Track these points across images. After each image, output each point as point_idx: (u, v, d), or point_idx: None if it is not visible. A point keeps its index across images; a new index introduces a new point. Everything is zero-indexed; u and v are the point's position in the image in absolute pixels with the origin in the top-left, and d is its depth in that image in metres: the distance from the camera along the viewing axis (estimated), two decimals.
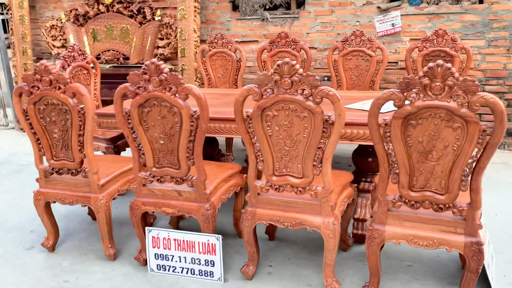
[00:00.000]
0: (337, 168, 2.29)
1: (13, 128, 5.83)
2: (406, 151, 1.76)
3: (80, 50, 3.48)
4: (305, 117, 1.86)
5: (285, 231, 2.68)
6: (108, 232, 2.42)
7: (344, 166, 3.85)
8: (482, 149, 1.67)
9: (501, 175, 3.68)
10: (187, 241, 2.22)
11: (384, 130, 1.76)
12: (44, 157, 2.40)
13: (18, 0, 5.25)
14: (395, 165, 1.80)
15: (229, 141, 4.19)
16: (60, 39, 5.60)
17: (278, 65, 1.81)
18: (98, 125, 2.72)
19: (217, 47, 4.08)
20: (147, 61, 2.00)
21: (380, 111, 1.72)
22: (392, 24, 4.37)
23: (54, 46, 5.65)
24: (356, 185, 2.41)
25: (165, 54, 5.14)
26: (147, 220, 2.42)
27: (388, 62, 4.30)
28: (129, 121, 2.14)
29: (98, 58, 5.31)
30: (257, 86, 1.88)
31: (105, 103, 3.63)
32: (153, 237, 2.28)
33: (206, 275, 2.23)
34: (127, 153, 3.34)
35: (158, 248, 2.28)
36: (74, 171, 2.37)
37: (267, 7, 4.84)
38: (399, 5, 4.42)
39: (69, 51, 3.40)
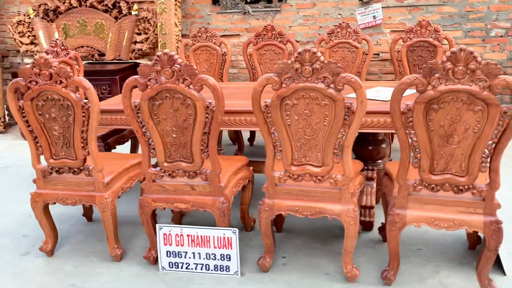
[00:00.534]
0: None
1: None
2: (428, 135, 1.79)
3: (63, 45, 3.32)
4: (326, 105, 1.85)
5: (291, 222, 2.67)
6: (114, 232, 2.32)
7: None
8: (502, 130, 1.73)
9: None
10: (201, 236, 2.17)
11: (407, 115, 1.78)
12: (42, 156, 2.27)
13: None
14: (417, 149, 1.83)
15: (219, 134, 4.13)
16: (29, 36, 5.32)
17: (299, 53, 1.79)
18: None
19: (201, 41, 4.01)
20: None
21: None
22: (374, 16, 4.45)
23: (22, 43, 5.37)
24: (365, 173, 2.44)
25: (143, 49, 4.99)
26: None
27: None
28: (138, 115, 2.06)
29: None
30: (276, 75, 1.85)
31: None
32: (164, 234, 2.21)
33: (222, 270, 2.19)
34: (118, 150, 3.22)
35: (170, 245, 2.21)
36: (76, 169, 2.26)
37: (248, 0, 4.79)
38: None
39: (51, 46, 3.25)
